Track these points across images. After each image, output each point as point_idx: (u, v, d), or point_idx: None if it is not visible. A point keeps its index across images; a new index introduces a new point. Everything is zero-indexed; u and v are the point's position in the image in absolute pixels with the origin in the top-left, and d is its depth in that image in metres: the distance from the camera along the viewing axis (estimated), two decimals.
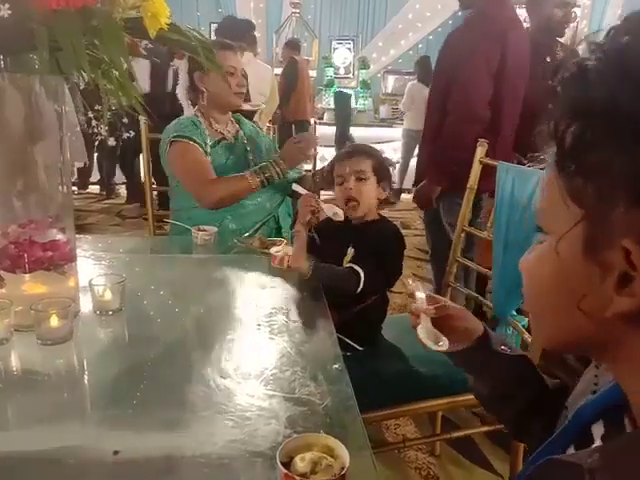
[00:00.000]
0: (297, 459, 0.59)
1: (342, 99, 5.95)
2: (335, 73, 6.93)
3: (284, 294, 1.20)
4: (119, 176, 4.96)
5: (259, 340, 0.97)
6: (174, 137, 1.65)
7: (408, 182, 5.33)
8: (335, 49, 7.24)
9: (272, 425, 0.71)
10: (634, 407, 0.39)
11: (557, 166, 0.37)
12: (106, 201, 4.96)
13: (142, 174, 2.26)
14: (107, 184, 5.05)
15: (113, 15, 0.76)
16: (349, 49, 7.25)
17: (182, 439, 0.68)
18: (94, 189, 5.23)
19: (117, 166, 4.86)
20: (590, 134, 0.34)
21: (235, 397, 0.78)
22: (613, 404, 0.43)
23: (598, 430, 0.43)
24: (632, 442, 0.35)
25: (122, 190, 5.07)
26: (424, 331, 0.72)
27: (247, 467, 0.63)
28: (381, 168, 1.36)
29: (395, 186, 5.39)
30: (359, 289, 1.22)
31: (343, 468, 0.58)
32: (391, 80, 7.00)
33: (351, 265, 1.24)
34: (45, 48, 0.68)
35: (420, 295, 0.77)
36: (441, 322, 0.74)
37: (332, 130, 5.69)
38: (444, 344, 0.71)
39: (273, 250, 1.35)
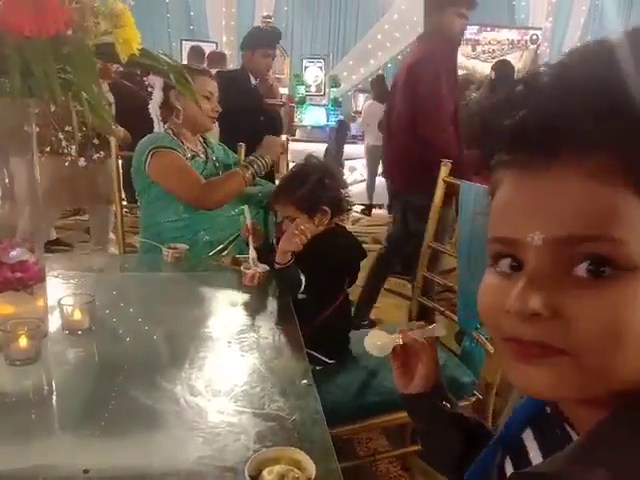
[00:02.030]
0: (265, 472, 0.61)
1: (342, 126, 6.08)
2: (307, 91, 7.03)
3: (255, 311, 1.22)
4: None
5: (230, 357, 0.99)
6: (154, 148, 1.67)
7: (377, 198, 5.43)
8: (306, 67, 7.35)
9: (241, 441, 0.73)
10: (572, 416, 0.40)
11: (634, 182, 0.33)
12: (73, 217, 4.88)
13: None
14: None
15: (85, 42, 0.78)
16: (320, 67, 7.37)
17: (153, 457, 0.70)
18: None
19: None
20: None
21: (205, 414, 0.79)
22: (537, 412, 0.45)
23: (528, 436, 0.45)
24: (588, 445, 0.36)
25: None
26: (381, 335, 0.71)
27: None
28: (307, 201, 1.35)
29: (366, 202, 5.49)
30: (300, 290, 1.27)
31: (310, 475, 0.60)
32: (361, 98, 7.13)
33: (296, 269, 1.28)
34: (17, 73, 0.70)
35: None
36: (410, 358, 0.70)
37: (304, 146, 5.76)
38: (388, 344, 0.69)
39: (243, 267, 1.37)
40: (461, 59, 8.14)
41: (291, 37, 7.77)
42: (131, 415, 0.79)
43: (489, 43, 8.17)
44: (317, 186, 1.36)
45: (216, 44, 6.71)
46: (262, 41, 2.92)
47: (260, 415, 0.79)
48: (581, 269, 0.34)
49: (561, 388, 0.36)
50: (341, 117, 6.49)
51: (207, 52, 4.89)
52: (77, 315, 1.04)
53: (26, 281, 0.95)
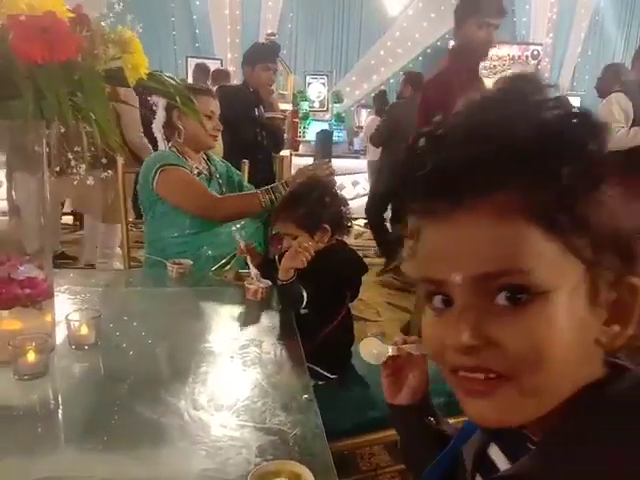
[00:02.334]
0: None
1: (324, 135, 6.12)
2: (310, 107, 7.11)
3: (257, 326, 1.24)
4: None
5: (232, 372, 1.01)
6: (162, 165, 1.71)
7: None
8: (309, 84, 7.44)
9: (243, 454, 0.74)
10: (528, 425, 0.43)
11: (541, 220, 0.37)
12: (80, 232, 4.93)
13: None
14: (80, 214, 5.02)
15: (95, 68, 0.82)
16: (323, 84, 7.46)
17: (158, 469, 0.71)
18: (67, 219, 5.19)
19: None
20: (577, 187, 0.36)
21: (208, 428, 0.81)
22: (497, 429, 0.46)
23: (493, 450, 0.48)
24: (547, 447, 0.40)
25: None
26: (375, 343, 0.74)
27: None
28: (307, 220, 1.37)
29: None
30: (302, 306, 1.29)
31: None
32: (364, 113, 7.20)
33: (298, 284, 1.30)
34: (30, 98, 0.73)
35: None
36: (401, 371, 0.72)
37: (308, 161, 5.81)
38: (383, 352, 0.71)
39: (247, 283, 1.39)
40: None
41: (295, 54, 7.88)
42: (136, 428, 0.81)
43: (490, 59, 8.26)
44: (317, 204, 1.38)
45: (221, 61, 6.82)
46: (261, 55, 2.97)
47: (262, 429, 0.80)
48: (501, 298, 0.38)
49: (508, 417, 0.40)
50: (325, 127, 6.49)
51: (212, 69, 4.98)
52: (84, 330, 1.06)
53: (35, 297, 0.98)
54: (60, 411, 0.88)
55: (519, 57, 8.29)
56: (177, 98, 0.99)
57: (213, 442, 0.77)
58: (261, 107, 3.04)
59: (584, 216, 0.37)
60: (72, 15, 0.83)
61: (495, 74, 7.96)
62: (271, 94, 3.35)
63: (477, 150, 0.37)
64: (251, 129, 2.89)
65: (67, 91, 0.77)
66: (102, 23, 0.85)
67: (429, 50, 8.18)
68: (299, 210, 1.38)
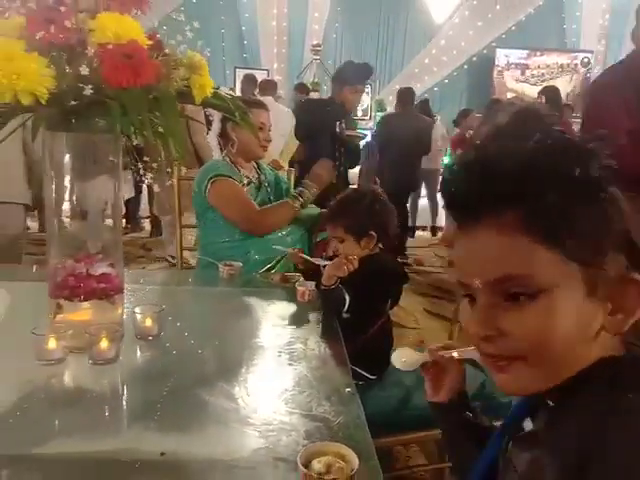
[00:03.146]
0: (314, 462, 0.70)
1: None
2: (353, 115, 7.19)
3: (303, 325, 1.33)
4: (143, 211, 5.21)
5: (280, 365, 1.09)
6: (215, 176, 1.84)
7: (420, 220, 5.47)
8: None
9: (292, 436, 0.82)
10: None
11: (538, 234, 0.46)
12: (131, 234, 5.18)
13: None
14: (133, 218, 5.28)
15: (169, 89, 0.93)
16: (367, 92, 7.54)
17: (217, 446, 0.80)
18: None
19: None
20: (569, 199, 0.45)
21: (260, 413, 0.90)
22: (533, 404, 0.55)
23: (527, 424, 0.56)
24: (558, 410, 0.50)
25: (146, 224, 5.30)
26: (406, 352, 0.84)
27: (271, 470, 0.75)
28: (358, 226, 1.44)
29: (409, 224, 5.54)
30: (344, 309, 1.36)
31: (353, 470, 0.69)
32: None
33: (341, 289, 1.37)
34: (118, 117, 0.85)
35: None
36: (441, 372, 0.79)
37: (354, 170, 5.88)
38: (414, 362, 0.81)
39: (298, 284, 1.48)
40: (511, 83, 8.14)
41: (340, 63, 8.00)
42: (195, 411, 0.91)
43: (538, 67, 8.13)
44: (367, 211, 1.45)
45: (268, 71, 7.02)
46: (351, 78, 3.04)
47: (308, 416, 0.88)
48: (508, 298, 0.49)
49: (524, 386, 0.51)
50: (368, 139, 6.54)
51: (259, 80, 5.15)
52: (148, 322, 1.17)
53: (108, 291, 1.10)
54: (132, 393, 0.99)
55: (567, 65, 8.12)
56: (236, 114, 1.09)
57: (264, 425, 0.86)
58: (343, 122, 3.11)
59: (576, 227, 0.45)
60: (150, 42, 0.95)
61: (543, 82, 7.82)
62: (354, 112, 3.41)
63: (489, 181, 0.47)
64: (330, 143, 2.97)
65: (147, 110, 0.88)
66: (176, 49, 0.96)
67: (475, 58, 8.14)
68: (349, 215, 1.45)
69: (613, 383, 0.46)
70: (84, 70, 0.83)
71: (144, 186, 4.93)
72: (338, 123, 3.04)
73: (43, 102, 0.85)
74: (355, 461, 0.71)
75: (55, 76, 0.86)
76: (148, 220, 5.21)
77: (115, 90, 0.87)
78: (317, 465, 0.69)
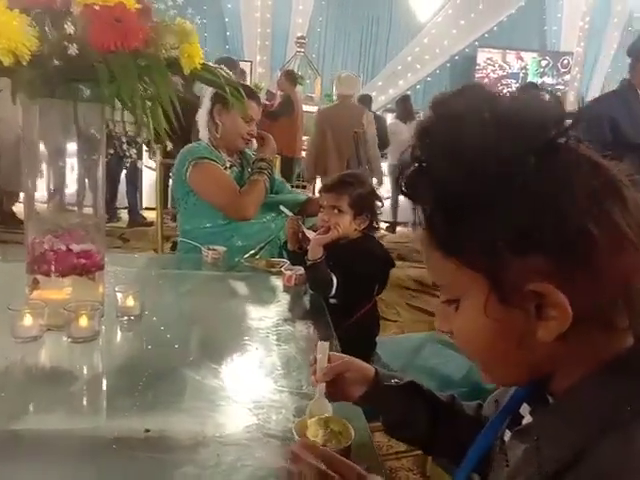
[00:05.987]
0: (310, 429, 0.68)
1: None
2: None
3: (290, 308, 1.31)
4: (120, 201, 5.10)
5: (268, 346, 1.07)
6: (196, 159, 1.78)
7: (401, 216, 5.49)
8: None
9: (283, 414, 0.80)
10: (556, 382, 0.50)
11: (440, 249, 0.47)
12: (109, 224, 5.07)
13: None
14: (109, 208, 5.17)
15: (159, 56, 0.89)
16: None
17: (205, 423, 0.77)
18: None
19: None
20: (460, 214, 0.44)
21: (249, 391, 0.87)
22: (532, 389, 0.54)
23: (525, 410, 0.54)
24: (558, 404, 0.49)
25: (124, 214, 5.19)
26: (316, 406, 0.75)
27: (262, 445, 0.73)
28: (360, 202, 1.44)
29: (390, 219, 5.56)
30: (332, 292, 1.34)
31: (349, 440, 0.68)
32: (389, 118, 7.25)
33: (327, 268, 1.36)
34: (105, 80, 0.81)
35: (319, 356, 0.78)
36: (336, 378, 0.76)
37: None
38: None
39: (284, 269, 1.45)
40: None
41: (323, 57, 7.98)
42: (181, 388, 0.88)
43: (520, 68, 8.23)
44: (371, 192, 1.48)
45: (251, 63, 6.94)
46: None
47: (298, 394, 0.86)
48: (447, 302, 0.52)
49: (502, 381, 0.56)
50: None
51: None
52: (130, 302, 1.13)
53: (89, 267, 1.06)
54: (110, 372, 0.95)
55: (547, 65, 8.25)
56: (227, 89, 1.06)
57: (254, 402, 0.83)
58: None
59: (464, 237, 0.45)
60: (138, 6, 0.91)
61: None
62: None
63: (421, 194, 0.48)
64: None
65: (136, 76, 0.85)
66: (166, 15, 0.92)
67: (457, 57, 8.19)
68: (357, 189, 1.44)
69: (615, 391, 0.44)
70: (69, 28, 0.79)
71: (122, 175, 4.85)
72: None
73: (24, 63, 0.81)
74: (351, 431, 0.69)
75: (38, 37, 0.82)
76: (126, 210, 5.11)
77: (102, 54, 0.83)
78: (315, 434, 0.67)
